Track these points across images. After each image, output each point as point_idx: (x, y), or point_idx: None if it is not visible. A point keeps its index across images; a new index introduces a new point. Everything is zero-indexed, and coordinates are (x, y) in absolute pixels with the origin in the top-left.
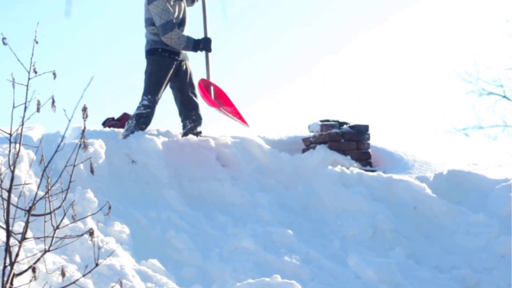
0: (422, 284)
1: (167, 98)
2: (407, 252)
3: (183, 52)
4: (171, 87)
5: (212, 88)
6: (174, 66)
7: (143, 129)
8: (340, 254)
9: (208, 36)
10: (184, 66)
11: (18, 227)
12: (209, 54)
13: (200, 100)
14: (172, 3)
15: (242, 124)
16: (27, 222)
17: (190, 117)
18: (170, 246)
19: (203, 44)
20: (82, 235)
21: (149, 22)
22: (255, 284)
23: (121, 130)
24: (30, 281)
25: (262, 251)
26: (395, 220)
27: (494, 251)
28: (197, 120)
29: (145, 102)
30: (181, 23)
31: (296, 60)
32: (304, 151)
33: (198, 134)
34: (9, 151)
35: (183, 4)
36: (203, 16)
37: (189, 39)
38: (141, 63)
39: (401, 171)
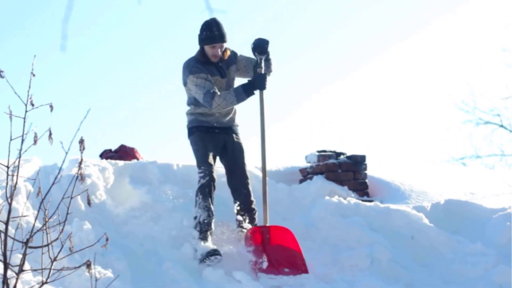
0: None
1: None
2: (405, 281)
3: (224, 121)
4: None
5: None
6: (216, 135)
7: (211, 198)
8: (337, 284)
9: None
10: (232, 139)
11: (15, 259)
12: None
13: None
14: (205, 77)
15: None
16: (24, 254)
17: (238, 212)
18: (167, 277)
19: (255, 83)
20: (79, 267)
21: (187, 102)
22: None
23: (119, 162)
24: None
25: (257, 279)
26: (392, 250)
27: (492, 281)
28: (249, 212)
29: (201, 174)
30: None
31: (293, 91)
32: (301, 181)
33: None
34: (7, 183)
35: (219, 79)
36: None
37: (235, 90)
38: (138, 95)
39: (398, 201)
